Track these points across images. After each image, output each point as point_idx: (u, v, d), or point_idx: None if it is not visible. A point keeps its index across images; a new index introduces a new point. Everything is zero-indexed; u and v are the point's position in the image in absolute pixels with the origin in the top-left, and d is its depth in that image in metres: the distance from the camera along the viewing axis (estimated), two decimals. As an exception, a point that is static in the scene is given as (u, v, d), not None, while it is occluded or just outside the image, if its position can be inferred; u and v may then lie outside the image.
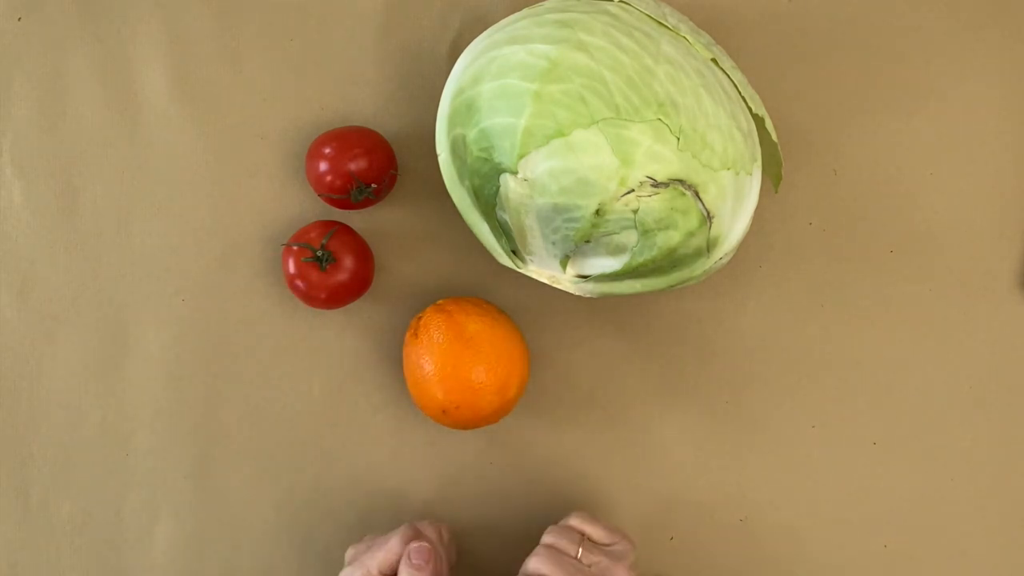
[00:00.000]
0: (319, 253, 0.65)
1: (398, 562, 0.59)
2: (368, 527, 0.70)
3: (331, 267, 0.65)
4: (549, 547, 0.60)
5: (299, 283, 0.66)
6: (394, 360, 0.70)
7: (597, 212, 0.55)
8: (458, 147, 0.59)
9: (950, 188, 0.70)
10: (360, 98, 0.70)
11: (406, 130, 0.70)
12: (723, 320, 0.70)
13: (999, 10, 0.70)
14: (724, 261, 0.60)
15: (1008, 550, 0.70)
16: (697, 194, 0.56)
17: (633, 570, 0.61)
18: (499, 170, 0.56)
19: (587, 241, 0.57)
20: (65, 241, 0.70)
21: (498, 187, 0.57)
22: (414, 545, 0.59)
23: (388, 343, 0.70)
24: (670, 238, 0.56)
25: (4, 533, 0.70)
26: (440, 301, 0.66)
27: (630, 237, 0.56)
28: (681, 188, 0.55)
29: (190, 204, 0.70)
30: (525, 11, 0.60)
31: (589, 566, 0.59)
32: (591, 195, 0.55)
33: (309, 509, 0.70)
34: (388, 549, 0.60)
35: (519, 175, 0.56)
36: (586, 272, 0.60)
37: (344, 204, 0.67)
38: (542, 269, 0.61)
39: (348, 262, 0.66)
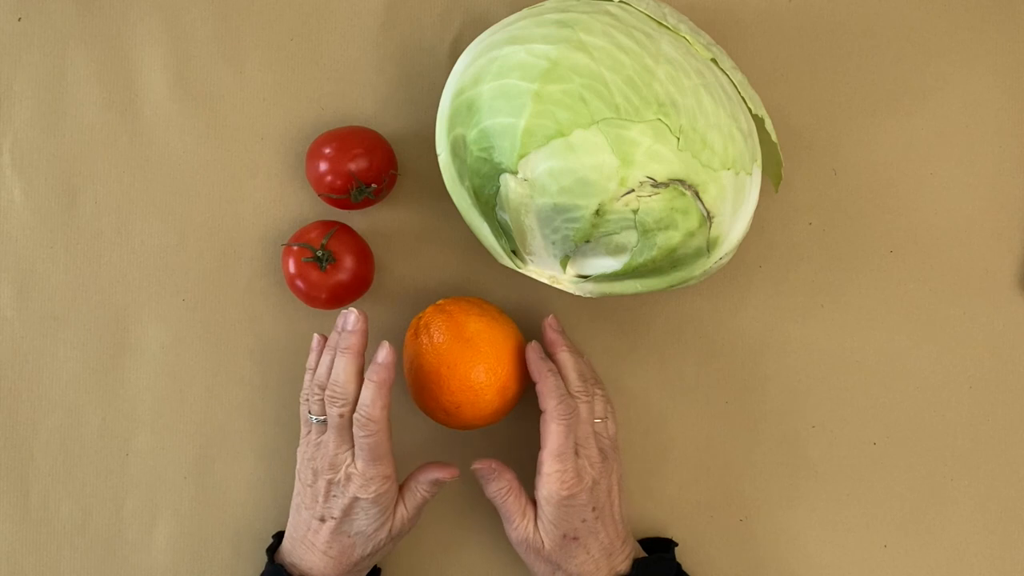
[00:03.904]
0: (319, 253, 0.65)
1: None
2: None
3: (331, 267, 0.65)
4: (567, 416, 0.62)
5: (299, 283, 0.66)
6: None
7: (597, 212, 0.55)
8: (458, 147, 0.59)
9: (950, 188, 0.70)
10: (360, 98, 0.70)
11: (406, 130, 0.70)
12: (723, 320, 0.70)
13: (999, 10, 0.70)
14: (724, 261, 0.60)
15: (1008, 550, 0.70)
16: (697, 194, 0.56)
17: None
18: (499, 170, 0.56)
19: (587, 241, 0.57)
20: (65, 241, 0.70)
21: (498, 187, 0.57)
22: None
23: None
24: (670, 238, 0.56)
25: (4, 533, 0.70)
26: (440, 301, 0.66)
27: (630, 237, 0.56)
28: (681, 188, 0.55)
29: (190, 204, 0.70)
30: (525, 11, 0.60)
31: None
32: (591, 195, 0.55)
33: (309, 509, 0.70)
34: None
35: (519, 175, 0.56)
36: (586, 272, 0.60)
37: (344, 204, 0.67)
38: (542, 269, 0.61)
39: (348, 262, 0.66)
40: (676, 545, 0.68)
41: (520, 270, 0.62)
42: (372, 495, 0.59)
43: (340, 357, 0.60)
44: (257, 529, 0.70)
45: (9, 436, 0.70)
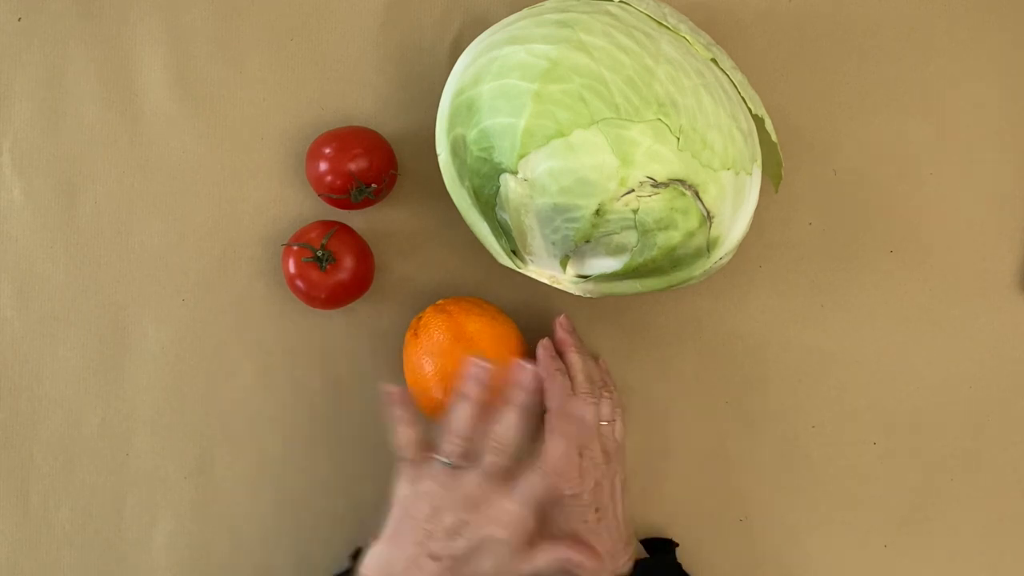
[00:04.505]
0: (319, 253, 0.65)
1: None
2: (368, 528, 0.69)
3: (331, 267, 0.65)
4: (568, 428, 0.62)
5: (299, 283, 0.66)
6: (394, 360, 0.70)
7: (597, 212, 0.55)
8: (458, 147, 0.59)
9: (950, 188, 0.70)
10: (360, 98, 0.70)
11: (406, 130, 0.70)
12: (723, 320, 0.70)
13: (999, 10, 0.70)
14: (724, 261, 0.60)
15: (1008, 550, 0.70)
16: (697, 194, 0.56)
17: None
18: (499, 170, 0.56)
19: (587, 241, 0.57)
20: (65, 241, 0.70)
21: (498, 187, 0.57)
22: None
23: (388, 343, 0.70)
24: (670, 238, 0.56)
25: (4, 533, 0.70)
26: (440, 301, 0.66)
27: (630, 237, 0.56)
28: (681, 188, 0.55)
29: (190, 204, 0.70)
30: (525, 11, 0.60)
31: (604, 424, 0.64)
32: (591, 195, 0.55)
33: (309, 509, 0.70)
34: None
35: (519, 175, 0.56)
36: (586, 272, 0.60)
37: (344, 204, 0.67)
38: (542, 269, 0.61)
39: (348, 262, 0.66)
40: (677, 545, 0.68)
41: (520, 270, 0.62)
42: (514, 538, 0.57)
43: (511, 413, 0.59)
44: (257, 529, 0.70)
45: (9, 436, 0.70)
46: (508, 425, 0.59)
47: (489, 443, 0.59)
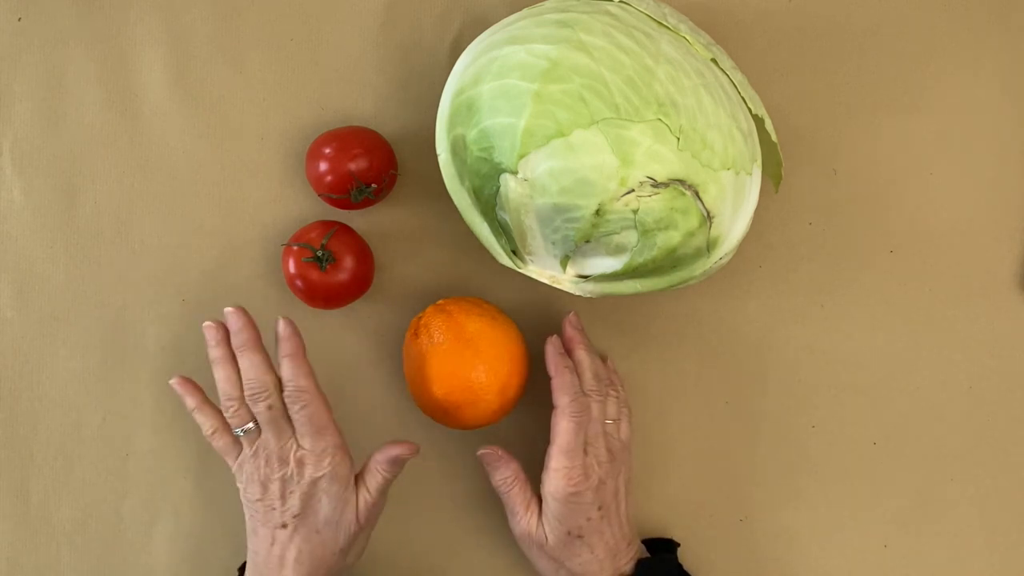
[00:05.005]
0: (319, 253, 0.65)
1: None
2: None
3: (331, 267, 0.65)
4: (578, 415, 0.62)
5: (299, 283, 0.66)
6: (394, 360, 0.70)
7: (597, 212, 0.55)
8: (458, 147, 0.59)
9: (950, 188, 0.70)
10: (360, 98, 0.70)
11: (406, 130, 0.70)
12: (723, 320, 0.70)
13: (999, 10, 0.70)
14: (724, 261, 0.60)
15: (1008, 550, 0.70)
16: (697, 194, 0.56)
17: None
18: (499, 170, 0.56)
19: (587, 241, 0.57)
20: (65, 241, 0.70)
21: (498, 187, 0.57)
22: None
23: (388, 343, 0.70)
24: (670, 238, 0.56)
25: (4, 533, 0.70)
26: (440, 301, 0.66)
27: (630, 237, 0.56)
28: (681, 188, 0.55)
29: (190, 204, 0.70)
30: (525, 11, 0.60)
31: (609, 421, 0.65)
32: (591, 195, 0.55)
33: (309, 509, 0.70)
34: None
35: (519, 175, 0.56)
36: (586, 272, 0.60)
37: (344, 204, 0.67)
38: (542, 269, 0.61)
39: (348, 262, 0.66)
40: (679, 546, 0.68)
41: (520, 270, 0.62)
42: (328, 469, 0.60)
43: (244, 355, 0.61)
44: (257, 529, 0.70)
45: (9, 436, 0.70)
46: (248, 368, 0.61)
47: (246, 395, 0.61)
